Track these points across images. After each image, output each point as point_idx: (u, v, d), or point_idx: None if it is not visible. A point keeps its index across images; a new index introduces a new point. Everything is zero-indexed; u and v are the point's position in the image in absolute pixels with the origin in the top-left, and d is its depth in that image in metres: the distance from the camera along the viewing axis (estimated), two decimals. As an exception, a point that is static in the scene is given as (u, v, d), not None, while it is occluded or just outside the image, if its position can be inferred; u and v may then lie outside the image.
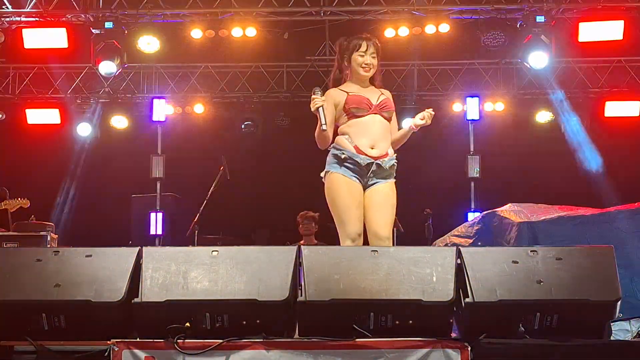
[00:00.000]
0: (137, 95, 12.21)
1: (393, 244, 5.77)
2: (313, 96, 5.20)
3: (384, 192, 5.28)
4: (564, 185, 11.06)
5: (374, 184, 5.27)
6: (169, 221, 11.04)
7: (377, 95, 5.37)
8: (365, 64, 5.34)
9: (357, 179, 5.24)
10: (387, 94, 5.46)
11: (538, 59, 9.84)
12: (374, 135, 5.27)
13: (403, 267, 4.18)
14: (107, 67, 9.95)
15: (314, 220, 9.26)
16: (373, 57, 5.36)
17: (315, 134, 5.32)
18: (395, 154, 5.42)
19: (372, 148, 5.26)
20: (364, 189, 5.27)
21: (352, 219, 5.18)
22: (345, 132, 5.30)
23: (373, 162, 5.24)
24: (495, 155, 11.43)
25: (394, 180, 5.36)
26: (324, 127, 5.17)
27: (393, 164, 5.34)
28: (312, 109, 5.20)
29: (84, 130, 12.17)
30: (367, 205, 5.26)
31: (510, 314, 4.13)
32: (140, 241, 10.35)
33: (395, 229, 8.09)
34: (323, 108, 5.17)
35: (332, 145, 5.33)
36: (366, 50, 5.34)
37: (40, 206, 9.99)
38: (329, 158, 5.32)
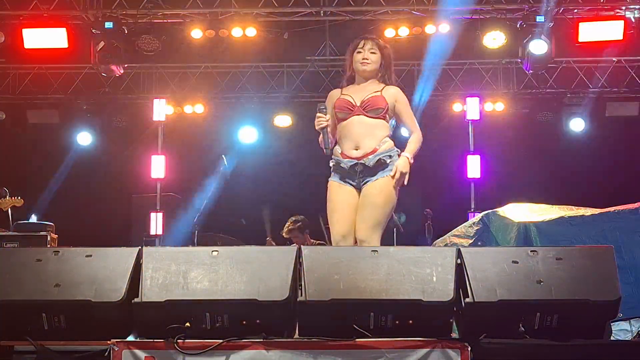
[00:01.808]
0: (137, 95, 12.20)
1: (388, 245, 5.71)
2: (318, 114, 5.29)
3: (369, 192, 5.26)
4: (564, 185, 11.05)
5: (365, 183, 5.30)
6: (169, 221, 11.03)
7: (367, 94, 5.38)
8: (363, 59, 5.44)
9: (349, 182, 5.31)
10: (386, 91, 5.43)
11: (538, 48, 9.81)
12: (356, 136, 5.30)
13: (403, 267, 4.18)
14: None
15: (299, 229, 9.05)
16: (372, 52, 5.45)
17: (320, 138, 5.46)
18: (391, 150, 5.34)
19: (356, 149, 5.30)
20: (360, 190, 5.31)
21: (335, 221, 5.29)
22: (337, 137, 5.39)
23: (357, 163, 5.28)
24: (495, 155, 11.43)
25: (388, 175, 5.24)
26: (325, 150, 5.29)
27: (379, 159, 5.26)
28: (317, 128, 5.30)
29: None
30: (358, 207, 5.30)
31: (510, 314, 4.13)
32: (140, 241, 10.35)
33: (395, 229, 8.08)
34: (327, 130, 5.28)
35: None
36: (363, 46, 5.46)
37: (40, 206, 9.99)
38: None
